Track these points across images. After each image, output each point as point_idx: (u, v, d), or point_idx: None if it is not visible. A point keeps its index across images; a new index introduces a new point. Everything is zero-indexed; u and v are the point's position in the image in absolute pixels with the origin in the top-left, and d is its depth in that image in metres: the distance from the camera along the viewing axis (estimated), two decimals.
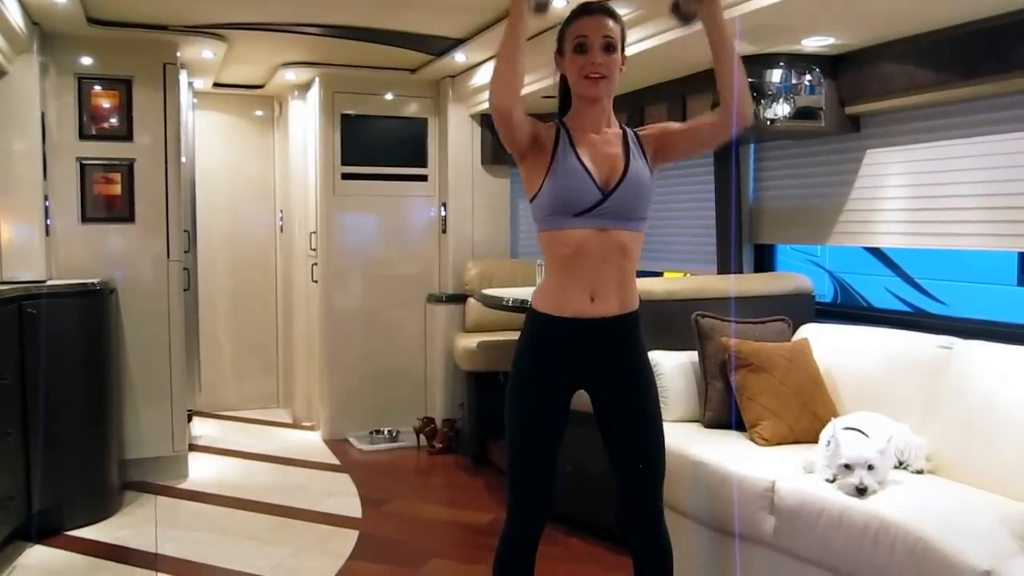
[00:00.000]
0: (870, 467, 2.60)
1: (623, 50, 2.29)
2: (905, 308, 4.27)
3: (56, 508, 3.93)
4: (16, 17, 3.76)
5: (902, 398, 3.09)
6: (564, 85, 2.38)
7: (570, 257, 2.25)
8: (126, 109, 4.61)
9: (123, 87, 4.61)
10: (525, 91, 4.90)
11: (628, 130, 2.36)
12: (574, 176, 2.22)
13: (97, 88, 4.57)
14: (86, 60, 4.55)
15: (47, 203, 4.35)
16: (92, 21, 4.31)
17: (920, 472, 2.85)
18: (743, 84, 2.24)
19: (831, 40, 3.38)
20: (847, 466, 2.63)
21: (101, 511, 4.14)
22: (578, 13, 2.28)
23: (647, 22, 3.48)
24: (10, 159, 4.19)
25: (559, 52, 2.33)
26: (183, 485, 4.70)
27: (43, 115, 4.31)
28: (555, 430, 2.32)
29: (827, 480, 2.71)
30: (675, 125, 2.41)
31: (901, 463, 2.86)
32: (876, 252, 4.33)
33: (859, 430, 2.74)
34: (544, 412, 2.31)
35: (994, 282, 3.92)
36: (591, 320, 2.27)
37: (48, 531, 3.89)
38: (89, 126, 4.57)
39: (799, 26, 3.21)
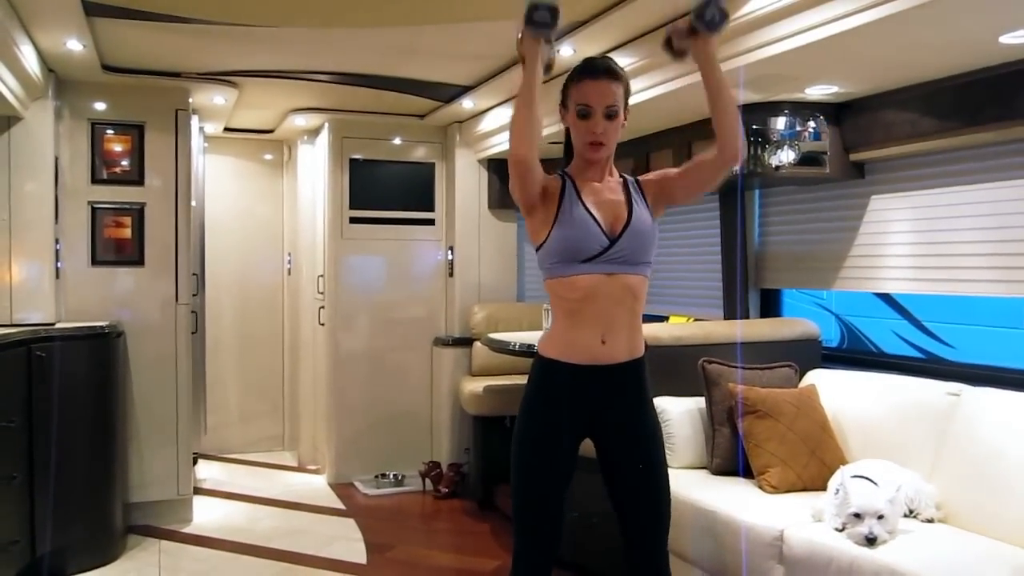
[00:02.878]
0: (880, 516, 2.58)
1: (626, 106, 2.33)
2: (913, 352, 4.24)
3: (60, 552, 3.90)
4: (33, 64, 3.83)
5: (911, 445, 3.07)
6: (569, 134, 2.43)
7: (580, 301, 2.26)
8: (138, 153, 4.67)
9: (135, 132, 4.67)
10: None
11: (629, 178, 2.41)
12: (582, 224, 2.25)
13: (110, 133, 4.64)
14: (100, 106, 4.62)
15: (58, 246, 4.39)
16: (107, 68, 4.39)
17: (930, 521, 2.82)
18: (735, 119, 2.28)
19: (835, 88, 3.42)
20: (857, 515, 2.60)
21: (105, 555, 4.11)
22: (583, 73, 2.31)
23: (653, 71, 3.53)
24: (23, 202, 4.24)
25: (563, 105, 2.37)
26: (187, 529, 4.67)
27: (56, 159, 4.36)
28: (562, 477, 2.30)
29: (836, 529, 2.69)
30: (674, 170, 2.44)
31: (911, 512, 2.84)
32: (883, 295, 4.32)
33: (868, 478, 2.72)
34: (551, 459, 2.30)
35: (1003, 326, 3.91)
36: (599, 366, 2.27)
37: (52, 575, 3.85)
38: (101, 170, 4.62)
39: (803, 75, 3.25)
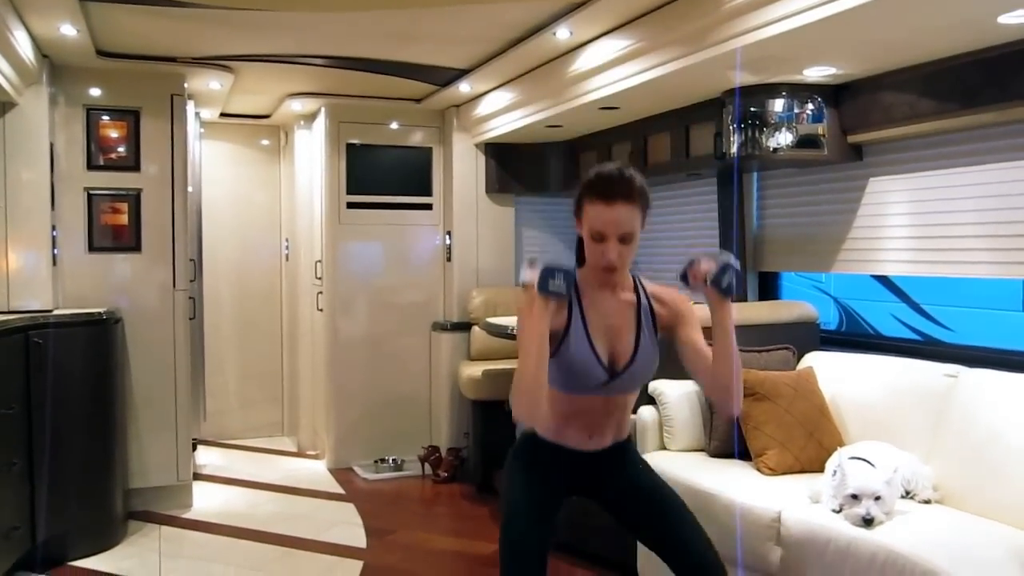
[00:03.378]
0: (877, 498, 2.59)
1: (644, 219, 2.17)
2: (911, 335, 4.25)
3: (60, 538, 3.92)
4: (26, 50, 3.81)
5: (908, 427, 3.08)
6: (580, 246, 2.29)
7: (573, 413, 2.26)
8: (134, 140, 4.65)
9: (131, 118, 4.65)
10: (526, 122, 4.94)
11: (642, 293, 2.27)
12: (583, 360, 2.18)
13: (105, 119, 4.62)
14: (95, 91, 4.60)
15: (55, 233, 4.38)
16: (101, 53, 4.36)
17: (927, 502, 2.83)
18: (733, 378, 2.14)
19: (833, 70, 3.40)
20: (854, 496, 2.61)
21: (105, 541, 4.12)
22: (598, 196, 2.13)
23: (649, 53, 3.51)
24: (19, 189, 4.23)
25: (577, 215, 2.22)
26: (187, 515, 4.68)
27: (52, 145, 4.35)
28: (550, 522, 2.27)
29: (834, 510, 2.70)
30: (691, 324, 2.26)
31: (908, 493, 2.85)
32: (881, 278, 4.32)
33: (865, 460, 2.73)
34: (540, 506, 2.26)
35: (1001, 308, 3.90)
36: (585, 451, 2.29)
37: (52, 561, 3.87)
38: (97, 156, 4.61)
39: (801, 57, 3.24)
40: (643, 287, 2.28)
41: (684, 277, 2.15)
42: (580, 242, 2.28)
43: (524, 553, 2.20)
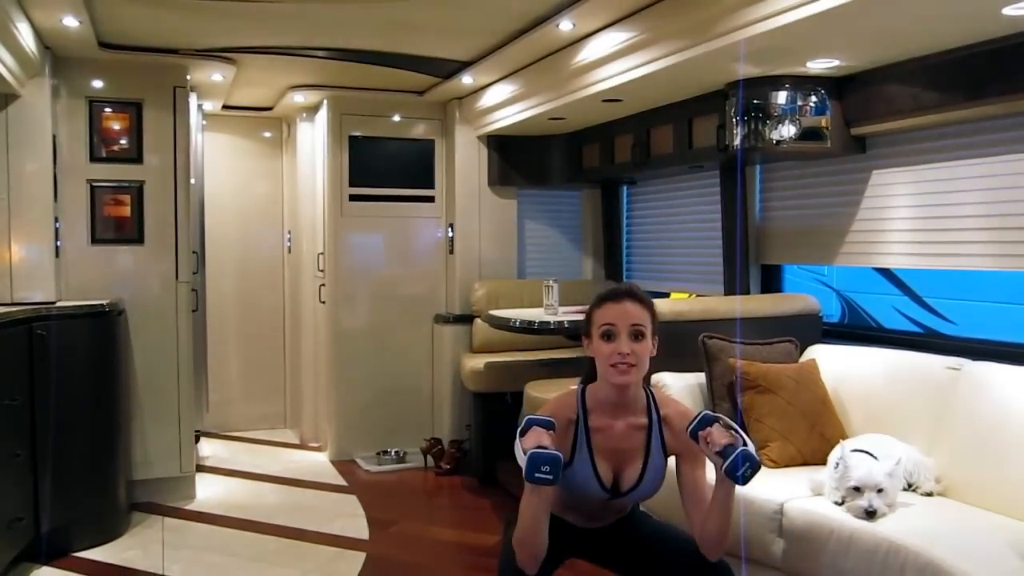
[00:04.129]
0: (879, 490, 2.59)
1: (654, 334, 2.17)
2: (914, 328, 4.25)
3: (64, 529, 3.93)
4: (29, 42, 3.81)
5: (911, 419, 3.08)
6: (592, 365, 2.26)
7: (574, 505, 2.28)
8: (136, 131, 4.65)
9: (133, 110, 4.64)
10: (529, 114, 4.91)
11: (655, 416, 2.22)
12: (587, 484, 2.17)
13: (108, 111, 4.62)
14: (97, 83, 4.60)
15: (57, 224, 4.38)
16: (103, 45, 4.36)
17: (929, 494, 2.84)
18: (722, 535, 2.10)
19: (836, 62, 3.39)
20: (856, 489, 2.62)
21: (108, 532, 4.13)
22: (605, 298, 2.19)
23: (652, 45, 3.50)
24: (22, 181, 4.23)
25: (587, 336, 2.22)
26: (190, 506, 4.69)
27: (55, 137, 4.35)
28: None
29: (836, 503, 2.70)
30: (698, 463, 2.17)
31: (910, 485, 2.85)
32: (884, 271, 4.31)
33: (868, 452, 2.74)
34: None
35: (1004, 301, 3.90)
36: (587, 529, 2.32)
37: (56, 552, 3.88)
38: (100, 148, 4.60)
39: (804, 48, 3.23)
40: (656, 407, 2.22)
41: (694, 436, 2.04)
42: (591, 365, 2.24)
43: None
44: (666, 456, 2.21)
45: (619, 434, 2.19)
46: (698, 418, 2.04)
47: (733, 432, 2.00)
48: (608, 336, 2.12)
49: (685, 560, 2.19)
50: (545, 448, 1.94)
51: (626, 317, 2.12)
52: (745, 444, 1.97)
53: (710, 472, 2.10)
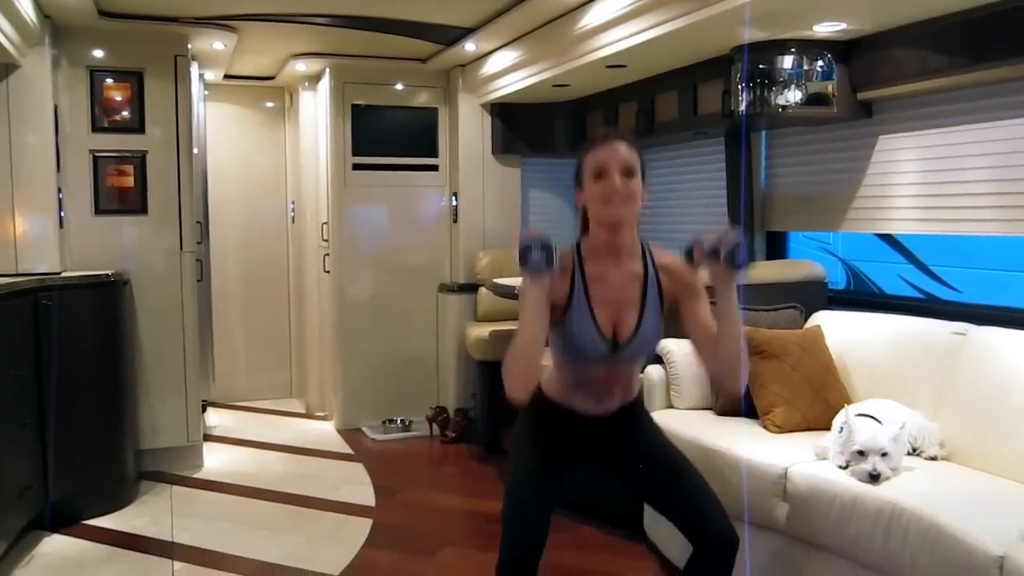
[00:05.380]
0: (883, 454, 2.60)
1: (644, 177, 2.19)
2: (919, 296, 4.24)
3: (73, 498, 3.96)
4: (28, 11, 3.78)
5: (915, 384, 3.08)
6: (584, 218, 2.28)
7: (578, 382, 2.27)
8: (138, 101, 4.62)
9: (135, 79, 4.62)
10: (533, 81, 4.87)
11: (650, 264, 2.24)
12: (586, 333, 2.18)
13: (109, 81, 4.59)
14: (98, 53, 4.57)
15: (60, 195, 4.38)
16: (103, 14, 4.32)
17: (933, 458, 2.85)
18: (736, 354, 2.12)
19: (842, 25, 3.35)
20: (860, 453, 2.62)
21: (117, 501, 4.17)
22: (595, 143, 2.22)
23: (657, 9, 3.47)
24: (24, 152, 4.22)
25: (578, 185, 2.24)
26: (198, 475, 4.73)
27: (56, 108, 4.33)
28: (554, 495, 2.27)
29: (840, 467, 2.71)
30: (698, 297, 2.23)
31: (914, 449, 2.86)
32: (889, 239, 4.29)
33: (872, 417, 2.74)
34: (549, 470, 2.27)
35: (1009, 269, 3.89)
36: (595, 415, 2.30)
37: (65, 521, 3.92)
38: (101, 119, 4.58)
39: (810, 11, 3.19)
40: (651, 256, 2.25)
41: (689, 254, 2.10)
42: (584, 215, 2.26)
43: (527, 516, 2.20)
44: (663, 304, 2.24)
45: (616, 284, 2.21)
46: (690, 244, 2.10)
47: (722, 232, 2.07)
48: (599, 174, 2.16)
49: (706, 536, 2.20)
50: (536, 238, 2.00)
51: (617, 157, 2.15)
52: (738, 239, 2.05)
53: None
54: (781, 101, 3.61)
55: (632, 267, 2.23)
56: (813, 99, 3.59)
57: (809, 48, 3.56)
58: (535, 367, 2.11)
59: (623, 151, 2.15)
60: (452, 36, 4.88)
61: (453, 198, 5.77)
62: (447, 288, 5.75)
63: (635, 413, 2.37)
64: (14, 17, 3.68)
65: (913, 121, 3.56)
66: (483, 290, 5.38)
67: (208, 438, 5.33)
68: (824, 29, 3.40)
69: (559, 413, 2.29)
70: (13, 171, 4.21)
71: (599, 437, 2.33)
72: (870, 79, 3.53)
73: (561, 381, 2.29)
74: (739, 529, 2.93)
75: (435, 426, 5.51)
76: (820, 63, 3.57)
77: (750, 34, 3.46)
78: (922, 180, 3.54)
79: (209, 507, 4.26)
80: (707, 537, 2.20)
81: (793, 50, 3.56)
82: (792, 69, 3.58)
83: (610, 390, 2.29)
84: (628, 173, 2.14)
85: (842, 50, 3.58)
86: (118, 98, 4.62)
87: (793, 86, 3.59)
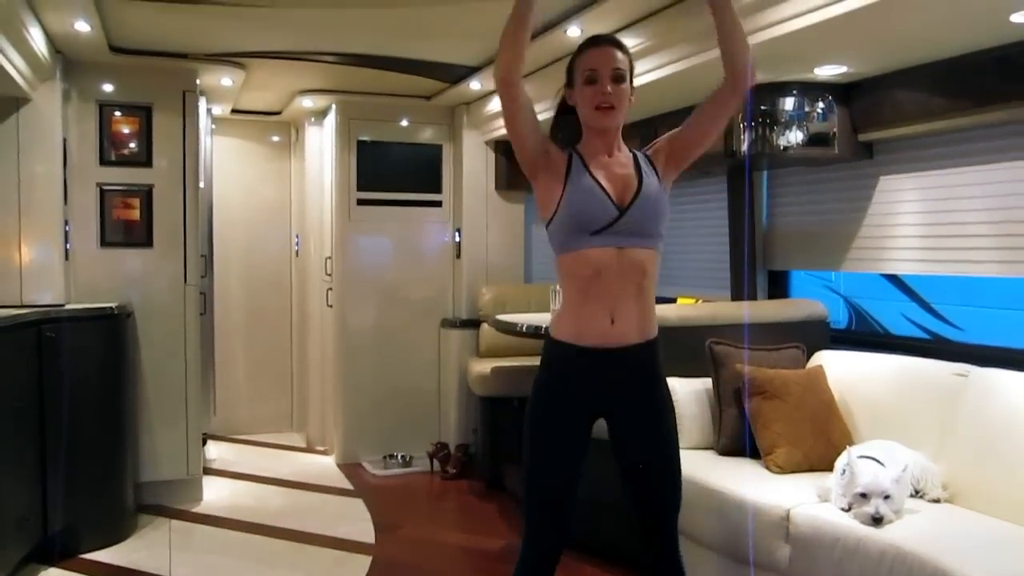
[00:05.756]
0: (886, 496, 2.59)
1: (632, 81, 2.31)
2: (921, 334, 4.24)
3: (71, 530, 3.94)
4: (40, 46, 3.83)
5: (918, 425, 3.07)
6: (560, 110, 2.42)
7: (590, 278, 2.23)
8: (146, 135, 4.67)
9: (143, 113, 4.67)
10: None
11: (637, 152, 2.37)
12: (589, 194, 2.23)
13: (118, 114, 4.64)
14: (107, 87, 4.62)
15: (67, 227, 4.40)
16: (114, 49, 4.38)
17: (936, 501, 2.83)
18: (743, 41, 2.26)
19: (844, 68, 3.40)
20: (863, 495, 2.61)
21: (115, 534, 4.15)
22: (587, 45, 2.32)
23: (660, 51, 3.51)
24: (32, 183, 4.25)
25: (569, 86, 2.35)
26: (197, 508, 4.71)
27: (65, 140, 4.38)
28: (575, 457, 2.28)
29: (842, 509, 2.70)
30: (678, 134, 2.38)
31: (917, 491, 2.85)
32: (891, 277, 4.31)
33: (875, 458, 2.73)
34: (563, 439, 2.28)
35: (1011, 307, 3.90)
36: (611, 349, 2.25)
37: (63, 554, 3.89)
38: (109, 152, 4.63)
39: (812, 55, 3.24)
40: (636, 150, 2.38)
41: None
42: (563, 113, 2.38)
43: (550, 500, 2.24)
44: (660, 177, 2.33)
45: (610, 161, 2.31)
46: None
47: None
48: (591, 80, 2.26)
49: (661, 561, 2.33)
50: None
51: (608, 61, 2.25)
52: None
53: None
54: (783, 142, 3.64)
55: (623, 153, 2.35)
56: (814, 140, 3.63)
57: (810, 90, 3.60)
58: (526, 34, 2.15)
59: (616, 56, 2.26)
60: (457, 74, 4.94)
61: (456, 233, 5.80)
62: (449, 323, 5.76)
63: (651, 360, 2.32)
64: (27, 52, 3.73)
65: (914, 162, 3.59)
66: (485, 326, 5.38)
67: (208, 471, 5.30)
68: (825, 72, 3.45)
69: (572, 356, 2.26)
70: (21, 202, 4.23)
71: (614, 378, 2.27)
72: (871, 120, 3.57)
73: (573, 297, 2.27)
74: (743, 571, 2.92)
75: (436, 462, 5.48)
76: (821, 104, 3.61)
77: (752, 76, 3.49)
78: (923, 221, 3.56)
79: (208, 541, 4.23)
80: (661, 559, 2.34)
81: (794, 92, 3.61)
82: (794, 110, 3.62)
83: (623, 299, 2.24)
84: (619, 79, 2.24)
85: (843, 92, 3.62)
86: (126, 131, 4.66)
87: (795, 127, 3.63)
